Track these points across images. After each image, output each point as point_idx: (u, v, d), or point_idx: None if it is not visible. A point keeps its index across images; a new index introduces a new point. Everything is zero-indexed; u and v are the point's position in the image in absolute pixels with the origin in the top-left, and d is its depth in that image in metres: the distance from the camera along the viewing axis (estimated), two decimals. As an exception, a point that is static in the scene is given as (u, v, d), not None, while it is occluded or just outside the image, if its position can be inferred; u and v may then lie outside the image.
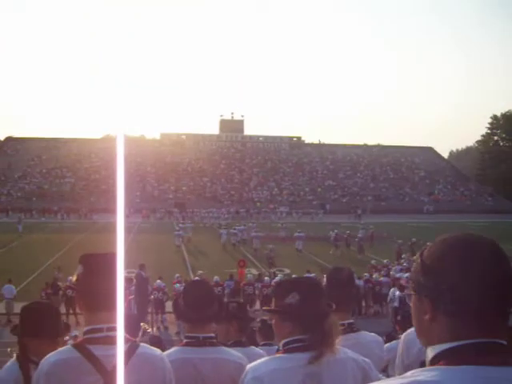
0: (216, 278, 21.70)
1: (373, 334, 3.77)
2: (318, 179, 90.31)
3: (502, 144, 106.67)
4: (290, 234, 43.41)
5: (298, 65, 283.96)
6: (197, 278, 20.72)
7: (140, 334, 4.48)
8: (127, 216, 53.84)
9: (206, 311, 3.23)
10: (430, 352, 1.47)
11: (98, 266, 2.48)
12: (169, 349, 3.38)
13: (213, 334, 3.33)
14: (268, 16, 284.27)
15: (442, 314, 1.43)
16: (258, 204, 75.73)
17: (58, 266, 23.54)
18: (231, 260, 31.26)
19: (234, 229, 42.86)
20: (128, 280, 17.03)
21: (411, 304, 1.56)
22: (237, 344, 3.76)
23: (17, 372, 3.25)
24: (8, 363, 3.39)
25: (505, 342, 1.42)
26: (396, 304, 19.94)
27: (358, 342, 3.41)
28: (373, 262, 27.89)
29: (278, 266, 29.66)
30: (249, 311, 18.03)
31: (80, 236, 42.31)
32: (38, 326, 3.36)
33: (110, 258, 2.38)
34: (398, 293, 20.01)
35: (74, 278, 2.70)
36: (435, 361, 1.44)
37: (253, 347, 4.26)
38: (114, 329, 2.46)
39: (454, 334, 1.41)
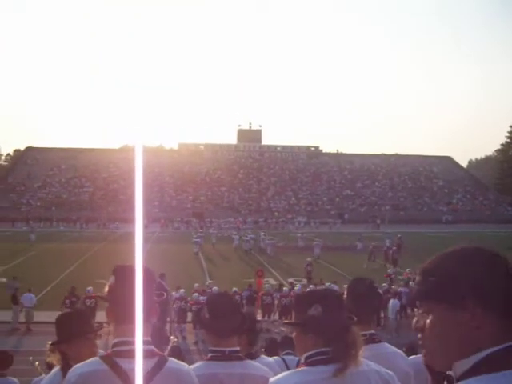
0: (234, 288, 21.71)
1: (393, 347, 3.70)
2: (335, 189, 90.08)
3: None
4: (308, 243, 43.41)
5: (316, 74, 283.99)
6: (215, 288, 20.76)
7: (169, 347, 4.44)
8: (145, 226, 54.09)
9: (230, 323, 3.18)
10: (465, 364, 1.43)
11: (130, 277, 2.46)
12: (187, 358, 3.35)
13: (238, 348, 3.26)
14: (285, 26, 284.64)
15: (492, 318, 1.40)
16: (276, 214, 75.69)
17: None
18: (249, 269, 31.25)
19: (246, 236, 43.33)
20: (159, 295, 17.02)
21: (429, 324, 1.50)
22: (248, 357, 3.69)
23: (60, 381, 3.25)
24: (51, 373, 3.40)
25: None
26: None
27: (380, 353, 3.35)
28: (389, 270, 27.77)
29: (295, 276, 29.60)
30: (265, 321, 17.93)
31: (98, 245, 42.54)
32: (71, 330, 3.37)
33: (144, 270, 2.35)
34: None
35: (105, 289, 2.69)
36: (475, 370, 1.40)
37: (263, 356, 4.20)
38: (145, 342, 2.46)
39: (505, 335, 1.39)
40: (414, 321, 1.52)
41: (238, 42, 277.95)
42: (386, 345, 3.62)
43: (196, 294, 20.15)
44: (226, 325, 3.15)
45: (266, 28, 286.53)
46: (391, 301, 21.03)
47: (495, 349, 1.38)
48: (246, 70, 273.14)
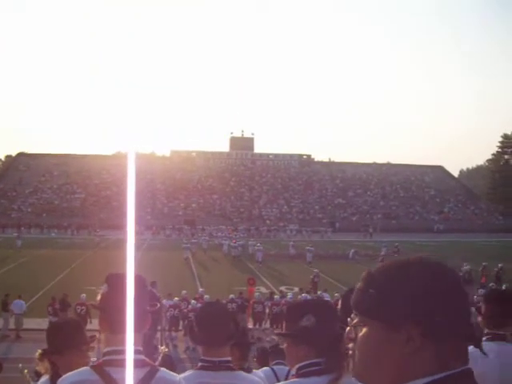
0: (231, 295, 21.70)
1: None
2: (327, 197, 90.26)
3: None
4: (299, 251, 43.44)
5: (309, 83, 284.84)
6: (206, 296, 20.71)
7: (160, 357, 4.38)
8: (138, 233, 54.00)
9: (219, 333, 3.14)
10: None
11: (123, 286, 2.43)
12: (179, 367, 3.31)
13: (229, 358, 3.22)
14: (278, 35, 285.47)
15: (431, 342, 1.24)
16: (268, 222, 75.75)
17: None
18: (241, 277, 31.19)
19: (235, 242, 43.66)
20: (152, 305, 16.92)
21: (362, 338, 1.33)
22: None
23: None
24: (39, 382, 3.35)
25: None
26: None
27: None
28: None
29: (287, 284, 29.57)
30: (256, 330, 17.87)
31: (89, 252, 42.40)
32: (64, 342, 3.31)
33: (136, 279, 2.32)
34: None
35: (98, 297, 2.66)
36: None
37: (255, 371, 4.15)
38: (137, 351, 2.42)
39: (443, 363, 1.24)
40: (347, 330, 1.39)
41: (231, 49, 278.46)
42: None
43: (194, 302, 20.08)
44: (215, 335, 3.12)
45: (259, 36, 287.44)
46: None
47: (433, 378, 1.23)
48: (240, 77, 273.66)
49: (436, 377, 1.23)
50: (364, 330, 1.32)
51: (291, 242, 48.23)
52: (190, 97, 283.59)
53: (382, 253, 39.83)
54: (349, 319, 1.12)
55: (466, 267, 32.27)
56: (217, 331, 3.12)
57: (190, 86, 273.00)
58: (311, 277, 29.34)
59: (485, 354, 1.44)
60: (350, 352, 1.31)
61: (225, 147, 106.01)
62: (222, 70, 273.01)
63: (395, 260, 1.36)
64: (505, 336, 3.63)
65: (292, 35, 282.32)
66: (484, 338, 3.64)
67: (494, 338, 3.60)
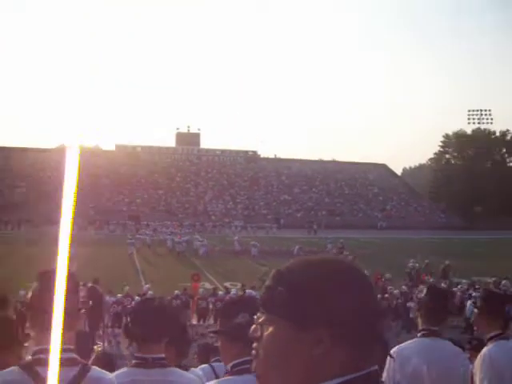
0: (176, 291, 21.62)
1: None
2: (273, 194, 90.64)
3: (453, 162, 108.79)
4: (244, 247, 43.60)
5: (254, 78, 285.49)
6: (150, 292, 20.56)
7: (93, 356, 4.31)
8: (81, 228, 53.33)
9: (153, 330, 3.10)
10: None
11: (53, 283, 2.36)
12: (121, 364, 3.27)
13: (163, 355, 3.18)
14: (222, 30, 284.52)
15: (339, 345, 1.20)
16: (213, 217, 75.57)
17: None
18: (186, 273, 31.02)
19: (179, 237, 43.75)
20: (85, 302, 16.62)
21: (268, 337, 1.26)
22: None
23: None
24: None
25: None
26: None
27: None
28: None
29: (231, 280, 29.56)
30: (200, 326, 17.81)
31: (29, 248, 41.55)
32: None
33: (68, 276, 2.26)
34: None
35: (28, 295, 2.59)
36: None
37: (193, 369, 4.13)
38: (67, 350, 2.38)
39: (352, 364, 1.21)
40: (252, 328, 1.33)
41: (176, 43, 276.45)
42: None
43: (138, 298, 19.88)
44: (149, 331, 3.09)
45: (201, 30, 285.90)
46: None
47: (341, 380, 1.20)
48: (186, 72, 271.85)
49: (344, 379, 1.20)
50: (270, 328, 1.26)
51: (236, 238, 48.32)
52: (135, 91, 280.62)
53: (328, 249, 40.22)
54: (254, 317, 1.07)
55: (412, 263, 32.90)
56: (150, 328, 3.09)
57: (135, 80, 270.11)
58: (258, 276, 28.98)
59: (392, 357, 1.44)
60: (253, 352, 1.23)
61: (171, 142, 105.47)
62: (169, 65, 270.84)
63: (307, 258, 1.35)
64: (439, 332, 3.72)
65: (233, 30, 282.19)
66: (419, 334, 3.74)
67: (429, 334, 3.69)
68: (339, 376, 1.20)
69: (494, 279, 28.00)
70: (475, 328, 4.28)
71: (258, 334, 1.28)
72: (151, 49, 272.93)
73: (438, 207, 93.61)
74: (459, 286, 26.51)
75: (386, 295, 23.57)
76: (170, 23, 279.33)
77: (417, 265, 33.17)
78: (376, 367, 1.25)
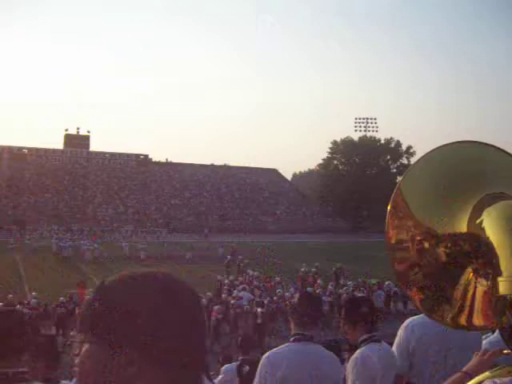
0: (61, 298, 21.13)
1: None
2: (164, 198, 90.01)
3: (340, 168, 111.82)
4: (133, 251, 43.34)
5: (145, 81, 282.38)
6: (33, 300, 19.99)
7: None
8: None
9: (9, 344, 3.02)
10: None
11: None
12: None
13: (25, 369, 3.10)
14: (108, 21, 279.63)
15: (147, 365, 1.13)
16: (103, 222, 74.17)
17: None
18: (73, 279, 30.33)
19: (65, 242, 43.12)
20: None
21: (83, 356, 1.17)
22: (46, 382, 3.53)
23: None
24: None
25: None
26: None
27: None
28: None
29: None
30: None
31: None
32: None
33: None
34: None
35: None
36: None
37: (64, 382, 4.05)
38: None
39: None
40: (73, 346, 1.29)
41: (65, 39, 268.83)
42: None
43: (19, 307, 19.24)
44: (4, 346, 3.01)
45: (96, 26, 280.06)
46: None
47: None
48: (75, 72, 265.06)
49: None
50: (86, 346, 1.18)
51: (124, 243, 47.80)
52: (21, 88, 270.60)
53: (220, 253, 40.69)
54: (71, 333, 1.06)
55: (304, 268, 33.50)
56: (5, 342, 3.00)
57: (21, 77, 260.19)
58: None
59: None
60: (76, 369, 1.18)
61: (59, 144, 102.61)
62: (57, 64, 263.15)
63: (130, 273, 1.26)
64: (312, 337, 3.89)
65: (131, 30, 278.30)
66: (291, 339, 3.89)
67: (300, 339, 3.84)
68: None
69: (378, 280, 29.07)
70: (347, 337, 4.45)
71: (77, 352, 1.19)
72: (38, 44, 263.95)
73: (326, 211, 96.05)
74: (344, 288, 27.30)
75: (275, 298, 24.04)
76: (54, 18, 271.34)
77: (313, 269, 33.73)
78: None
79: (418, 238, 1.68)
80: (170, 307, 1.17)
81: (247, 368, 4.89)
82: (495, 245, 1.46)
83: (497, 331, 4.72)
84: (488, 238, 1.48)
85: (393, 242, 1.77)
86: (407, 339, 4.27)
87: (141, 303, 1.16)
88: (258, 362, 3.86)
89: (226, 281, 28.77)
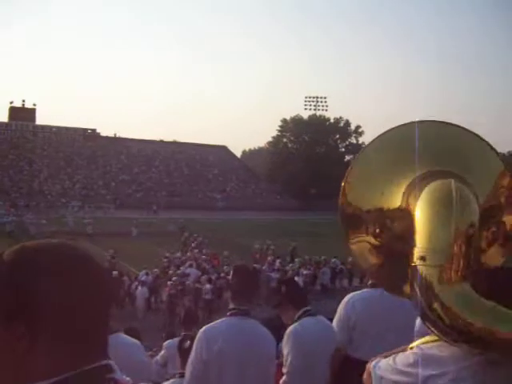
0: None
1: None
2: (112, 173, 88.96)
3: (290, 146, 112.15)
4: (80, 226, 42.78)
5: (95, 53, 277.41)
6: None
7: None
8: None
9: None
10: None
11: None
12: None
13: None
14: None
15: (43, 341, 1.10)
16: (49, 197, 72.89)
17: None
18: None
19: (7, 217, 42.85)
20: None
21: None
22: None
23: None
24: None
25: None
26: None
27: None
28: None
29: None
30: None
31: None
32: None
33: None
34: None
35: None
36: None
37: None
38: None
39: (69, 362, 1.11)
40: None
41: (10, 8, 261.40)
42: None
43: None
44: None
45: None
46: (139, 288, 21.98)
47: (57, 379, 1.10)
48: (20, 42, 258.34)
49: (58, 378, 1.10)
50: None
51: (70, 217, 47.41)
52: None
53: (170, 229, 40.88)
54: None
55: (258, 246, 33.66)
56: None
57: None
58: (108, 257, 28.22)
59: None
60: None
61: (3, 117, 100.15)
62: (4, 32, 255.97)
63: (23, 245, 1.21)
64: (248, 311, 3.93)
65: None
66: (228, 313, 3.92)
67: (237, 314, 3.87)
68: (46, 378, 1.10)
69: (324, 257, 29.46)
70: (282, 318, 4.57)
71: None
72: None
73: (275, 189, 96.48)
74: (290, 265, 27.53)
75: (222, 274, 24.09)
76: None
77: (265, 246, 33.90)
78: (106, 361, 1.17)
79: (365, 211, 1.81)
80: (64, 278, 1.13)
81: (188, 343, 4.91)
82: (415, 218, 1.61)
83: None
84: (413, 211, 1.63)
85: (345, 217, 1.87)
86: (347, 314, 4.36)
87: (32, 274, 1.11)
88: None
89: (174, 257, 28.91)
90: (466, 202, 1.59)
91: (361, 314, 4.32)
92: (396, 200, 1.73)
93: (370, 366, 1.94)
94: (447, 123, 1.79)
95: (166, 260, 28.36)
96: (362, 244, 1.85)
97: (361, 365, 4.36)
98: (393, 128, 1.83)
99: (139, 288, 22.04)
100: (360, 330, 4.32)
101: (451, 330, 1.52)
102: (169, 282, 22.06)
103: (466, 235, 1.54)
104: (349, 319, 4.33)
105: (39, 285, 1.10)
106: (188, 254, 30.61)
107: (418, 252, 1.57)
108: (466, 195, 1.60)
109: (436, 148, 1.80)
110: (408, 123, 1.81)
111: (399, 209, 1.73)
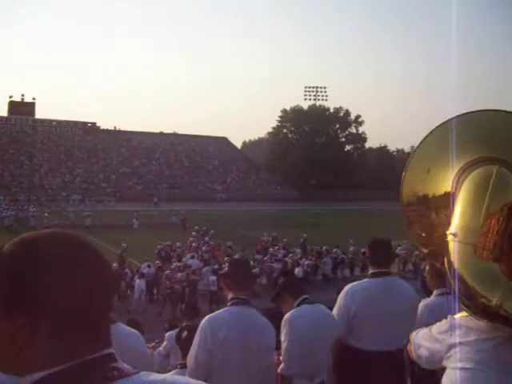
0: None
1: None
2: (112, 166, 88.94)
3: (290, 136, 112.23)
4: (80, 219, 42.74)
5: (93, 47, 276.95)
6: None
7: None
8: None
9: None
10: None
11: None
12: None
13: None
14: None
15: (43, 331, 1.09)
16: (50, 191, 72.88)
17: None
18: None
19: (6, 212, 43.02)
20: None
21: None
22: None
23: None
24: None
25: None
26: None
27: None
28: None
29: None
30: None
31: None
32: None
33: None
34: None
35: None
36: None
37: None
38: None
39: (69, 352, 1.11)
40: None
41: (14, 7, 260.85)
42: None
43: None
44: None
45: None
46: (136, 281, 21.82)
47: (51, 371, 1.09)
48: (19, 37, 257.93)
49: (58, 368, 1.09)
50: None
51: (71, 211, 47.58)
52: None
53: (173, 221, 41.28)
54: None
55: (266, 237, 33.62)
56: None
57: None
58: (119, 252, 28.23)
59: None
60: None
61: (3, 111, 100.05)
62: (2, 26, 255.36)
63: (26, 235, 1.20)
64: (248, 300, 3.98)
65: None
66: (229, 304, 3.96)
67: (238, 303, 3.92)
68: (49, 367, 1.10)
69: (325, 247, 29.47)
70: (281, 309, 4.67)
71: None
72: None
73: (275, 180, 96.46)
74: (290, 255, 27.50)
75: (224, 265, 24.06)
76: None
77: (270, 238, 33.80)
78: (109, 351, 1.17)
79: (423, 196, 1.97)
80: (64, 267, 1.12)
81: (185, 333, 4.95)
82: (457, 200, 1.79)
83: (433, 294, 4.91)
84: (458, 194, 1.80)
85: (405, 203, 2.03)
86: (347, 304, 4.39)
87: (31, 265, 1.11)
88: (197, 327, 3.93)
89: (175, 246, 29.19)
90: (504, 187, 1.71)
91: (360, 303, 4.35)
92: (448, 184, 1.86)
93: (412, 335, 2.15)
94: (501, 111, 1.91)
95: (168, 248, 28.95)
96: (423, 225, 2.01)
97: (361, 354, 4.42)
98: (444, 122, 1.95)
99: (137, 280, 21.95)
100: (360, 319, 4.35)
101: (472, 304, 1.68)
102: (179, 274, 22.03)
103: (498, 218, 1.65)
104: (348, 309, 4.36)
105: (39, 275, 1.10)
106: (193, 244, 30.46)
107: (452, 229, 1.74)
108: (506, 181, 1.73)
109: (488, 135, 1.90)
110: (471, 112, 1.92)
111: (449, 193, 1.85)
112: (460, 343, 1.74)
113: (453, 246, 1.72)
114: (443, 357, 1.81)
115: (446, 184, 1.87)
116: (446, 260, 1.76)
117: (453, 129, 1.90)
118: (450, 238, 1.74)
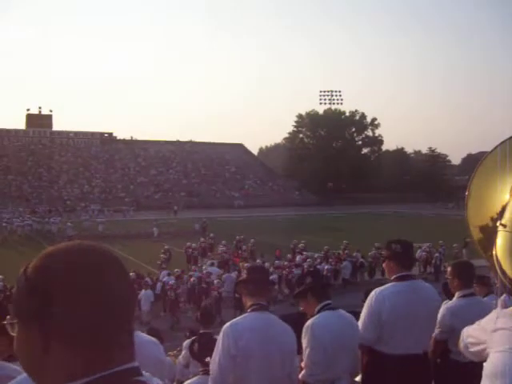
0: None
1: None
2: (130, 176, 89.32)
3: (306, 141, 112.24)
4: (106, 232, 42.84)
5: (110, 59, 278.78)
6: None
7: None
8: None
9: None
10: None
11: None
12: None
13: None
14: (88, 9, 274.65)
15: (57, 344, 1.10)
16: (68, 202, 73.30)
17: None
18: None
19: (22, 222, 43.66)
20: None
21: (15, 337, 1.16)
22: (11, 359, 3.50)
23: None
24: None
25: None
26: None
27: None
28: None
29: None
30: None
31: None
32: None
33: None
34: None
35: None
36: None
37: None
38: None
39: (93, 365, 1.11)
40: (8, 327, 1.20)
41: (26, 16, 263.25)
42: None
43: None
44: None
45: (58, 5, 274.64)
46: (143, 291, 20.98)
47: (82, 381, 1.10)
48: (35, 50, 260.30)
49: (84, 380, 1.09)
50: (17, 327, 1.16)
51: (100, 222, 47.95)
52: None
53: (196, 229, 43.27)
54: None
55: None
56: None
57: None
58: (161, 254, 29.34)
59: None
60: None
61: (21, 124, 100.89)
62: (18, 40, 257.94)
63: (50, 249, 1.20)
64: (267, 306, 3.97)
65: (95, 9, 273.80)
66: (249, 310, 3.94)
67: (258, 309, 3.91)
68: (70, 380, 1.10)
69: (346, 251, 29.36)
70: (304, 311, 4.68)
71: (11, 333, 1.17)
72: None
73: (293, 185, 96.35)
74: (308, 260, 27.35)
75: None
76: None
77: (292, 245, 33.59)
78: (131, 364, 1.16)
79: (489, 211, 2.12)
80: (82, 282, 1.12)
81: (196, 346, 4.95)
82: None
83: (456, 296, 4.86)
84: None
85: (472, 217, 2.23)
86: (378, 310, 4.35)
87: (45, 280, 1.12)
88: (207, 336, 3.92)
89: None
90: None
91: (390, 308, 4.32)
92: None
93: (463, 330, 2.24)
94: None
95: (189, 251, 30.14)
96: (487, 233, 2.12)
97: (389, 359, 4.37)
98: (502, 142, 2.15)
99: (142, 291, 21.02)
100: (389, 324, 4.32)
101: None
102: (216, 281, 21.98)
103: None
104: (379, 315, 4.33)
105: (53, 289, 1.10)
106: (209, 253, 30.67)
107: (502, 220, 1.90)
108: None
109: None
110: None
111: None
112: (502, 328, 1.82)
113: (502, 235, 1.87)
114: (488, 345, 1.89)
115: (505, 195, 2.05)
116: (493, 250, 1.89)
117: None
118: (499, 228, 1.89)
